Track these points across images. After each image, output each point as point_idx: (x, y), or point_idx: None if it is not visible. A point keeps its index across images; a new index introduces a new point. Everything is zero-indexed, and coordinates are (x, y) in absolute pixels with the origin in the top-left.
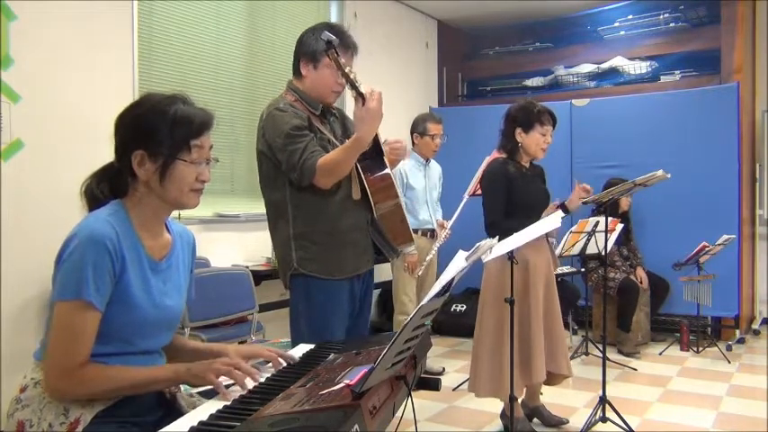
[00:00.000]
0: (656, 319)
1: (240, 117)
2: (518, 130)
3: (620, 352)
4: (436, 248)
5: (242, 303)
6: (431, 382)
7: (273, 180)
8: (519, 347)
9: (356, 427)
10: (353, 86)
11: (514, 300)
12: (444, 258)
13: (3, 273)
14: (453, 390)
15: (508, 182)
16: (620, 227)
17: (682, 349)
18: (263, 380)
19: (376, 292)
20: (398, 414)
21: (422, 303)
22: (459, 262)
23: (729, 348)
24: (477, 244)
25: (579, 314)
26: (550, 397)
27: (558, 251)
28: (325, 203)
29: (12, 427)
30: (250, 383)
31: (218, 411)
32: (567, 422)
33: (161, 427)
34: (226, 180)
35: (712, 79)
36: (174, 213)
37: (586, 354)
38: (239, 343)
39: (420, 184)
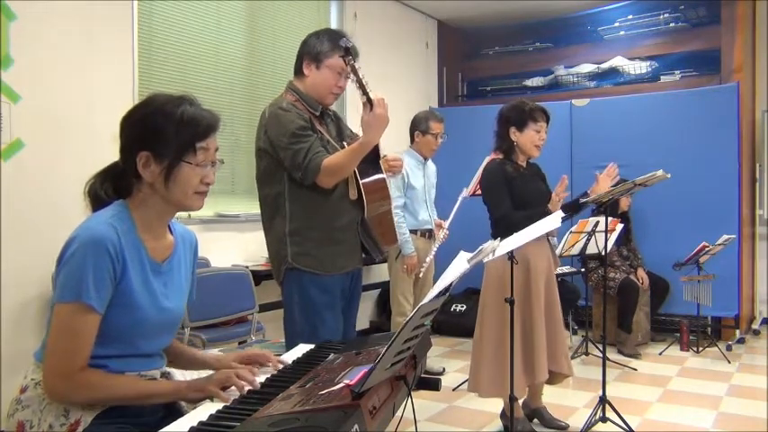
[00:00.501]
0: (656, 319)
1: (240, 117)
2: (512, 130)
3: (621, 352)
4: (435, 249)
5: (242, 303)
6: (431, 382)
7: (272, 176)
8: (521, 347)
9: (356, 427)
10: (365, 92)
11: (515, 300)
12: (443, 259)
13: (3, 273)
14: (453, 390)
15: (507, 181)
16: (620, 227)
17: (682, 349)
18: (262, 380)
19: (375, 292)
20: (398, 414)
21: (422, 303)
22: (460, 263)
23: (729, 348)
24: (481, 246)
25: (579, 314)
26: (550, 397)
27: (558, 251)
28: (322, 201)
29: (12, 427)
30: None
31: (218, 411)
32: (568, 427)
33: (161, 428)
34: (226, 180)
35: (712, 79)
36: (176, 213)
37: (586, 354)
38: (239, 343)
39: (420, 184)
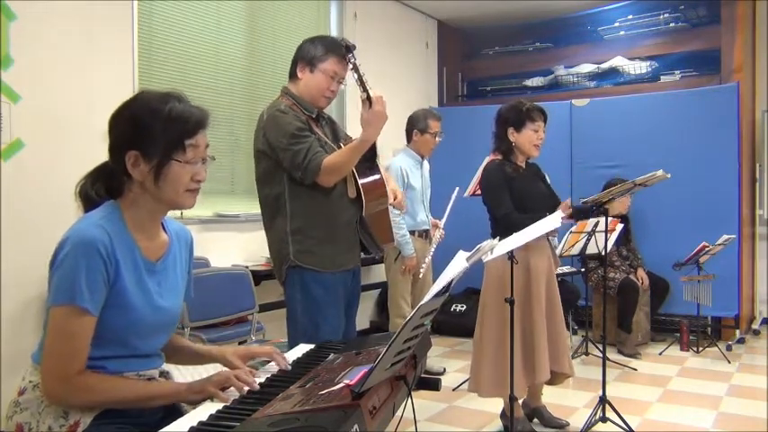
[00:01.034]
0: (656, 319)
1: (240, 117)
2: (510, 130)
3: (621, 352)
4: (433, 250)
5: (242, 303)
6: (431, 382)
7: (272, 177)
8: (522, 347)
9: (356, 427)
10: (365, 89)
11: (515, 300)
12: (441, 259)
13: (3, 273)
14: (453, 390)
15: (507, 182)
16: (619, 227)
17: (682, 349)
18: (262, 380)
19: (375, 292)
20: (398, 414)
21: (421, 303)
22: (459, 262)
23: (729, 348)
24: (479, 245)
25: (579, 314)
26: (550, 397)
27: (558, 251)
28: (322, 200)
29: (11, 429)
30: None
31: (218, 411)
32: (568, 425)
33: (161, 428)
34: (226, 180)
35: (712, 79)
36: (176, 213)
37: (586, 354)
38: (239, 343)
39: (418, 184)
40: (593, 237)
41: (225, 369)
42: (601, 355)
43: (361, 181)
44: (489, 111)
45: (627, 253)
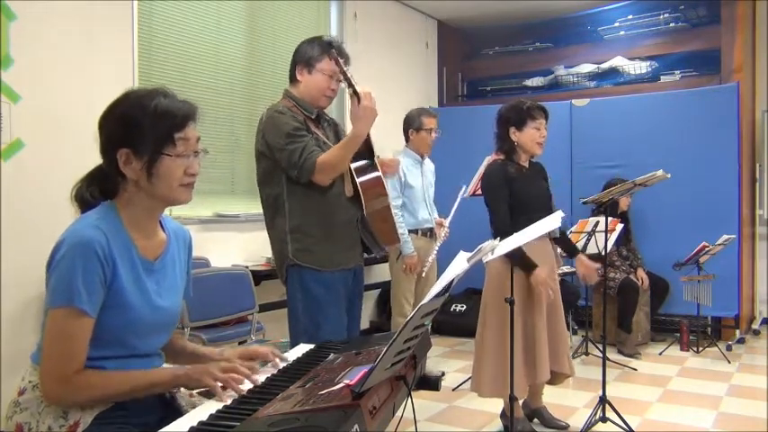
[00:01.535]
0: (656, 319)
1: (240, 117)
2: (512, 130)
3: (621, 352)
4: (437, 248)
5: (242, 303)
6: (431, 382)
7: (272, 178)
8: (523, 347)
9: (356, 427)
10: (350, 85)
11: (516, 300)
12: (444, 258)
13: (3, 273)
14: (453, 390)
15: (508, 183)
16: (619, 227)
17: (682, 349)
18: (262, 380)
19: (376, 292)
20: (398, 414)
21: (422, 303)
22: (460, 263)
23: (729, 348)
24: (480, 246)
25: (579, 314)
26: (550, 397)
27: (558, 251)
28: (320, 199)
29: (11, 429)
30: (248, 384)
31: (218, 411)
32: (568, 426)
33: (161, 427)
34: (226, 180)
35: (712, 79)
36: (176, 214)
37: (586, 354)
38: (239, 343)
39: (418, 183)
40: (594, 237)
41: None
42: (601, 355)
43: (359, 179)
44: (489, 111)
45: (627, 253)
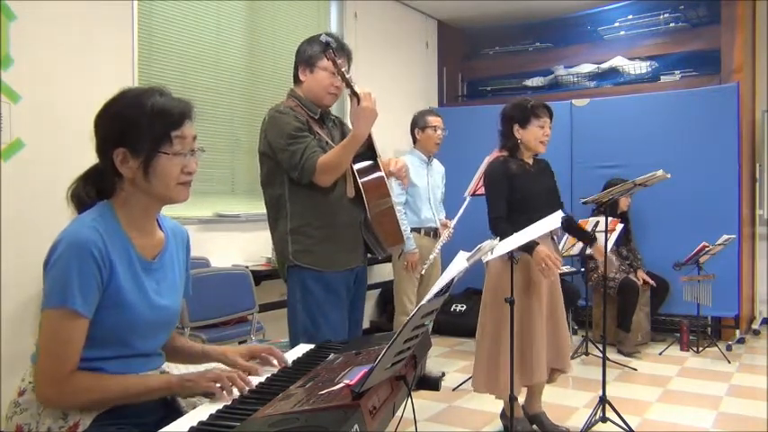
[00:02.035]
0: (656, 319)
1: (240, 117)
2: (516, 127)
3: (621, 352)
4: (439, 248)
5: (242, 303)
6: (431, 382)
7: (274, 178)
8: (520, 347)
9: (356, 427)
10: (348, 85)
11: (515, 300)
12: (447, 258)
13: (3, 273)
14: (453, 390)
15: (509, 179)
16: (619, 227)
17: (682, 349)
18: (262, 380)
19: (376, 292)
20: (398, 414)
21: (422, 303)
22: (459, 262)
23: (729, 348)
24: (479, 245)
25: (579, 314)
26: (550, 397)
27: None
28: (321, 200)
29: (11, 430)
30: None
31: (218, 411)
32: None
33: (161, 428)
34: (226, 180)
35: (712, 79)
36: (176, 214)
37: (586, 354)
38: (239, 343)
39: (422, 182)
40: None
41: (220, 366)
42: (601, 355)
43: (361, 180)
44: (489, 111)
45: (627, 253)
